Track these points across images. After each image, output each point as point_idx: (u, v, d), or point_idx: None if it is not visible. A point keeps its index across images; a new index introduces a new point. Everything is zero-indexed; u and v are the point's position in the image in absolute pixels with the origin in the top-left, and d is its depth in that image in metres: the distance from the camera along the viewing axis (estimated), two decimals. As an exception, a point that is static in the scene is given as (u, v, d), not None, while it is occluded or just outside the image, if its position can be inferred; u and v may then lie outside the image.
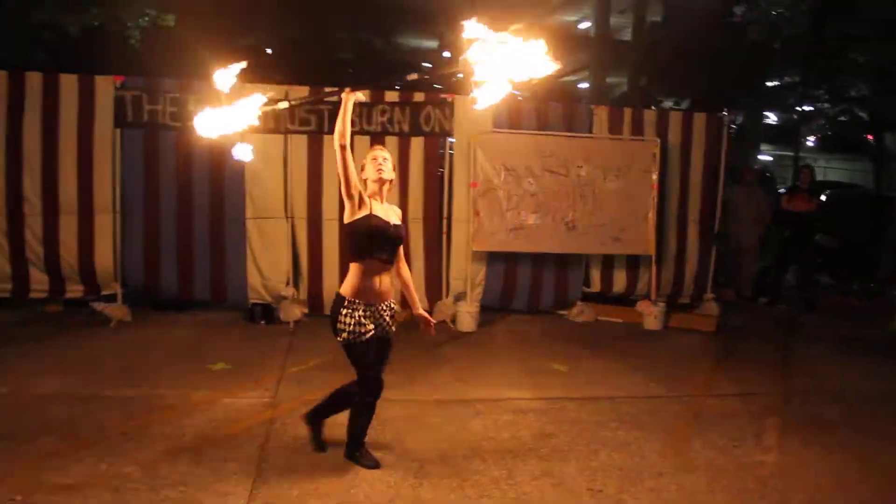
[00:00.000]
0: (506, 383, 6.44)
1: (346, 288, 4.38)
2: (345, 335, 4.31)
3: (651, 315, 8.76)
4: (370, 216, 4.33)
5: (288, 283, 8.27)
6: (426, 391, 6.12)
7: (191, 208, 8.16)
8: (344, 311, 4.32)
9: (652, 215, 8.88)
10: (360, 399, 4.46)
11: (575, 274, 9.20)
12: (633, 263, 9.28)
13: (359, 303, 4.33)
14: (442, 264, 8.71)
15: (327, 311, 8.09)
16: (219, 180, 8.18)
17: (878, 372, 7.50)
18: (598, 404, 5.97)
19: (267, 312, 8.20)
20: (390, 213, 4.48)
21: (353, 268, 4.39)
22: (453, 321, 8.41)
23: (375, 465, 4.54)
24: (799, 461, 5.01)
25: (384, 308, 4.49)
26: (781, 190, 11.75)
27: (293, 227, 8.31)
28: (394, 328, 4.61)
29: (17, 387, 5.70)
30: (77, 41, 10.98)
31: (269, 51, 21.67)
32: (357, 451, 4.57)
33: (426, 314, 4.78)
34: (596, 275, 9.30)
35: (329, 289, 8.27)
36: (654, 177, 8.84)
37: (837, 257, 12.69)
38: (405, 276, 4.73)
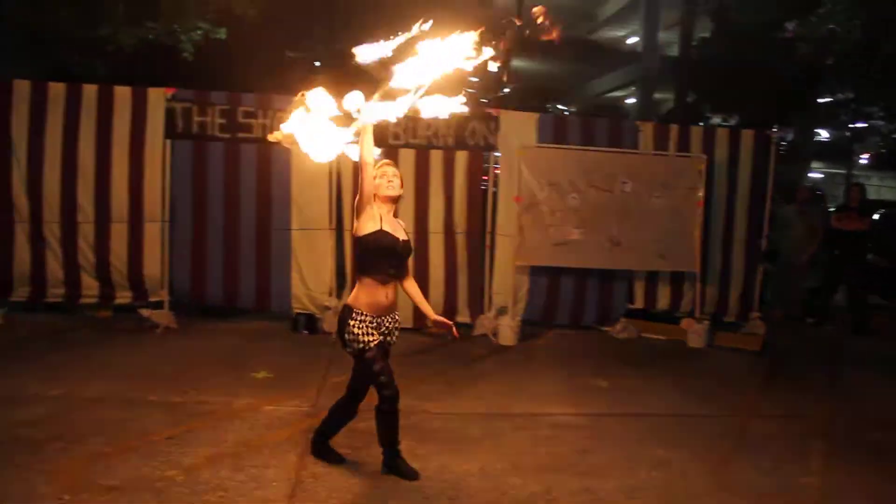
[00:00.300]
0: (546, 398, 6.41)
1: (354, 299, 4.44)
2: (355, 345, 4.36)
3: (695, 333, 8.65)
4: (380, 232, 4.37)
5: (331, 294, 8.36)
6: (466, 405, 6.12)
7: (237, 218, 8.30)
8: (352, 322, 4.36)
9: (697, 232, 8.79)
10: (378, 409, 4.47)
11: (619, 290, 9.14)
12: (678, 280, 9.19)
13: (366, 314, 4.38)
14: (485, 278, 8.72)
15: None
16: (265, 191, 8.30)
17: (929, 397, 7.31)
18: (639, 421, 5.92)
19: (310, 322, 8.29)
20: (398, 229, 4.51)
21: (362, 280, 4.45)
22: (495, 335, 8.40)
23: (414, 475, 4.56)
24: (843, 486, 4.90)
25: (390, 321, 4.51)
26: (831, 209, 11.52)
27: (338, 238, 8.40)
28: (395, 340, 4.64)
29: (67, 390, 5.85)
30: (133, 54, 11.27)
31: (317, 63, 21.95)
32: (394, 462, 4.60)
33: (443, 318, 4.71)
34: (639, 291, 9.23)
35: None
36: (700, 194, 8.75)
37: (890, 278, 12.38)
38: (411, 290, 4.68)
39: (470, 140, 8.46)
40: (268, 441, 5.05)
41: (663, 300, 9.25)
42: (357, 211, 4.41)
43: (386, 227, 4.40)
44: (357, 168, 4.37)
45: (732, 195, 9.29)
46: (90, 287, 8.18)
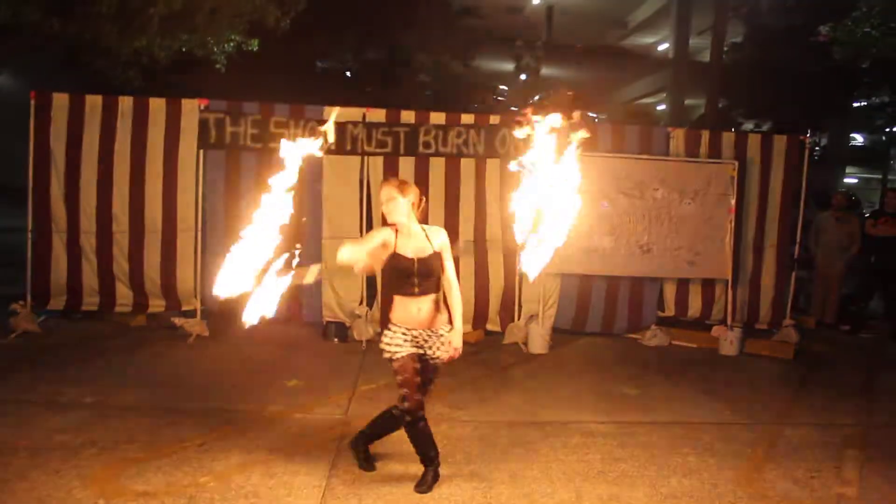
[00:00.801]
0: (576, 406, 6.39)
1: (390, 312, 4.58)
2: (385, 355, 4.46)
3: (727, 340, 8.57)
4: (394, 255, 4.46)
5: (362, 303, 8.40)
6: (496, 412, 6.12)
7: (269, 227, 8.35)
8: (385, 333, 4.53)
9: (729, 239, 8.72)
10: (399, 414, 4.50)
11: (650, 297, 9.08)
12: (709, 287, 9.12)
13: (398, 327, 4.46)
14: (516, 286, 8.72)
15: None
16: (297, 200, 8.34)
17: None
18: (669, 429, 5.87)
19: (341, 330, 8.34)
20: (418, 245, 4.50)
21: (392, 296, 4.58)
22: (525, 343, 8.39)
23: (435, 476, 4.58)
24: (881, 497, 4.82)
25: (429, 334, 4.50)
26: (866, 214, 11.36)
27: (369, 246, 8.44)
28: (441, 354, 4.55)
29: (102, 396, 5.94)
30: (168, 66, 11.45)
31: (348, 74, 22.10)
32: (428, 470, 4.59)
33: (455, 343, 4.57)
34: (670, 298, 9.18)
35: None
36: (732, 200, 8.68)
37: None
38: (448, 301, 4.64)
39: (500, 148, 8.46)
40: (299, 448, 5.09)
41: (694, 307, 9.18)
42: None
43: (399, 250, 4.45)
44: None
45: (764, 201, 9.20)
46: (124, 296, 8.31)
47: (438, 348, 4.53)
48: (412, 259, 4.44)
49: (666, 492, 4.70)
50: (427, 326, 4.49)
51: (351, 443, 4.89)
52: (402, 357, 4.42)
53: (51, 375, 6.43)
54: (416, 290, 4.45)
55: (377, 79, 20.17)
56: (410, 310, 4.45)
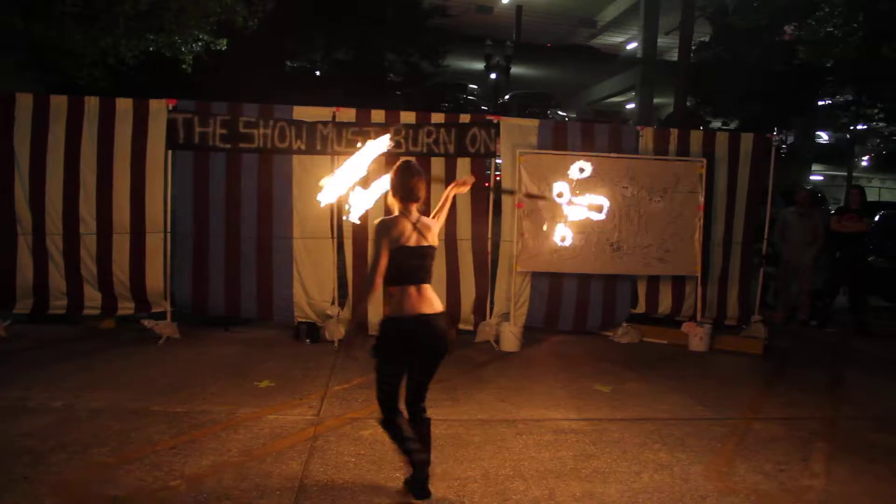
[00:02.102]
0: (548, 403, 6.42)
1: None
2: None
3: (696, 336, 8.66)
4: None
5: (333, 303, 8.38)
6: (468, 410, 6.13)
7: (239, 228, 8.32)
8: None
9: (698, 236, 8.81)
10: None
11: (621, 294, 9.15)
12: (679, 284, 9.20)
13: None
14: (487, 286, 8.74)
15: (372, 331, 8.22)
16: (267, 200, 8.32)
17: (932, 398, 7.31)
18: (641, 426, 5.92)
19: (312, 331, 8.31)
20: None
21: None
22: (497, 341, 8.41)
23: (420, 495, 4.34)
24: (847, 489, 4.90)
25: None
26: (832, 211, 11.54)
27: (340, 246, 8.42)
28: None
29: (70, 400, 5.87)
30: (135, 66, 11.35)
31: (318, 73, 22.04)
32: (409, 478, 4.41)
33: None
34: (641, 295, 9.25)
35: (374, 309, 8.33)
36: (700, 197, 8.78)
37: (891, 279, 12.37)
38: None
39: (471, 147, 8.47)
40: (271, 450, 5.06)
41: (664, 304, 9.26)
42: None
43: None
44: None
45: (732, 198, 9.30)
46: (93, 298, 8.20)
47: None
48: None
49: (638, 487, 4.73)
50: None
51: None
52: None
53: (18, 379, 6.33)
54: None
55: (347, 78, 20.14)
56: None
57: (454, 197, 4.96)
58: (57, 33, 9.29)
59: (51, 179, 7.99)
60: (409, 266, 4.30)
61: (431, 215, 4.66)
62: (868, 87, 20.40)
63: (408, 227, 4.31)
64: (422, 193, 4.44)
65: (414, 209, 4.40)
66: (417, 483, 4.30)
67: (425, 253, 4.37)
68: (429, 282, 4.39)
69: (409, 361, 4.36)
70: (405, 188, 4.38)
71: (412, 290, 4.28)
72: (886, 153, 32.33)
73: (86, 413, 5.62)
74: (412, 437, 4.28)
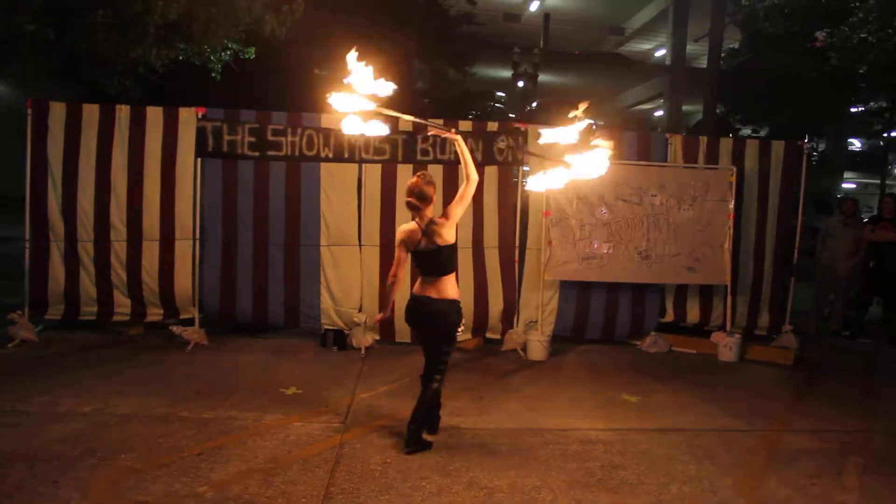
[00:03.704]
0: (575, 413, 6.37)
1: (457, 294, 5.24)
2: (458, 330, 5.26)
3: (726, 346, 8.55)
4: None
5: (360, 310, 8.38)
6: (495, 419, 6.10)
7: (267, 235, 8.37)
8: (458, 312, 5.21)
9: (728, 245, 8.72)
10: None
11: (650, 303, 9.06)
12: (708, 293, 9.12)
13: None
14: (515, 294, 8.71)
15: (398, 339, 8.28)
16: (295, 207, 8.36)
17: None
18: (669, 436, 5.85)
19: (339, 338, 8.31)
20: None
21: (453, 277, 5.26)
22: (524, 350, 8.37)
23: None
24: (881, 503, 4.81)
25: None
26: (865, 219, 11.38)
27: (366, 254, 8.43)
28: None
29: (99, 406, 5.92)
30: (165, 75, 11.47)
31: (345, 81, 22.12)
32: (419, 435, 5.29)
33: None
34: (670, 305, 9.17)
35: (400, 316, 8.32)
36: (730, 205, 8.69)
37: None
38: None
39: (498, 155, 8.46)
40: (297, 457, 5.07)
41: (693, 313, 9.17)
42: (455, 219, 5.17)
43: None
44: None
45: (763, 207, 9.20)
46: (122, 305, 8.29)
47: None
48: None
49: (666, 499, 4.68)
50: None
51: (407, 446, 5.23)
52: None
53: (49, 385, 6.40)
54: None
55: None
56: None
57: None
58: (88, 43, 9.40)
59: (82, 187, 8.10)
60: (421, 263, 5.24)
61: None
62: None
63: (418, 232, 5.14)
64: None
65: (426, 214, 5.16)
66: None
67: (434, 253, 5.13)
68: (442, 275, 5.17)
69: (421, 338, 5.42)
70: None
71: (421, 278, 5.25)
72: (920, 160, 31.82)
73: (115, 419, 5.67)
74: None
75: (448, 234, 5.11)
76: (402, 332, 8.39)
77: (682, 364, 8.37)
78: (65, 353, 7.58)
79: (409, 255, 5.21)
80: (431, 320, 5.15)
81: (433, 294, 5.12)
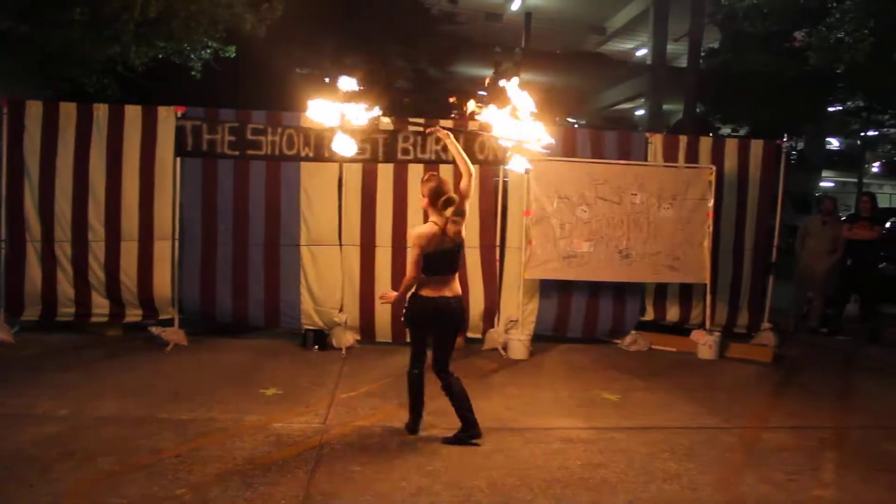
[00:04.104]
0: (556, 412, 6.38)
1: None
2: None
3: (705, 344, 8.60)
4: None
5: (341, 310, 8.36)
6: (476, 418, 6.08)
7: (247, 235, 8.32)
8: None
9: (707, 243, 8.76)
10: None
11: (631, 302, 9.09)
12: (688, 292, 9.16)
13: None
14: (496, 293, 8.70)
15: (379, 338, 8.27)
16: (275, 207, 8.32)
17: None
18: (649, 435, 5.87)
19: (319, 338, 8.28)
20: None
21: None
22: (505, 349, 8.37)
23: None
24: (858, 499, 4.85)
25: None
26: (842, 218, 11.49)
27: (347, 253, 8.40)
28: None
29: (76, 408, 5.86)
30: (144, 73, 11.38)
31: (326, 80, 22.05)
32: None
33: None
34: (650, 303, 9.20)
35: (381, 316, 8.34)
36: (710, 204, 8.74)
37: (901, 286, 12.28)
38: None
39: (480, 154, 8.44)
40: (277, 458, 5.04)
41: (673, 312, 9.21)
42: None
43: None
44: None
45: (742, 205, 9.26)
46: (101, 306, 8.22)
47: None
48: None
49: (646, 497, 4.69)
50: None
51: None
52: None
53: (25, 387, 6.33)
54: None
55: (358, 85, 20.11)
56: None
57: (462, 205, 5.42)
58: (66, 41, 9.31)
59: (60, 186, 8.03)
60: (437, 263, 5.29)
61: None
62: (879, 92, 20.28)
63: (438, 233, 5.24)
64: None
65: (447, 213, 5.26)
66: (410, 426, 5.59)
67: (453, 251, 5.33)
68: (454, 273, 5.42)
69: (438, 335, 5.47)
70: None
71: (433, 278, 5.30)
72: (897, 159, 32.19)
73: (92, 421, 5.61)
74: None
75: (463, 231, 5.40)
76: (383, 331, 8.39)
77: (662, 362, 8.40)
78: (41, 354, 7.51)
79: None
80: (456, 317, 5.39)
81: (448, 293, 5.29)
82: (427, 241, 5.17)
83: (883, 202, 23.65)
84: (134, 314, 8.30)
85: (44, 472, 4.63)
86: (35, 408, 5.82)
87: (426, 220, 5.37)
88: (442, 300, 5.27)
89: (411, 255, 5.21)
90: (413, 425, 5.59)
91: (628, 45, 39.60)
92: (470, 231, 8.51)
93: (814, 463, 5.41)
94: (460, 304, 5.43)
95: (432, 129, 5.55)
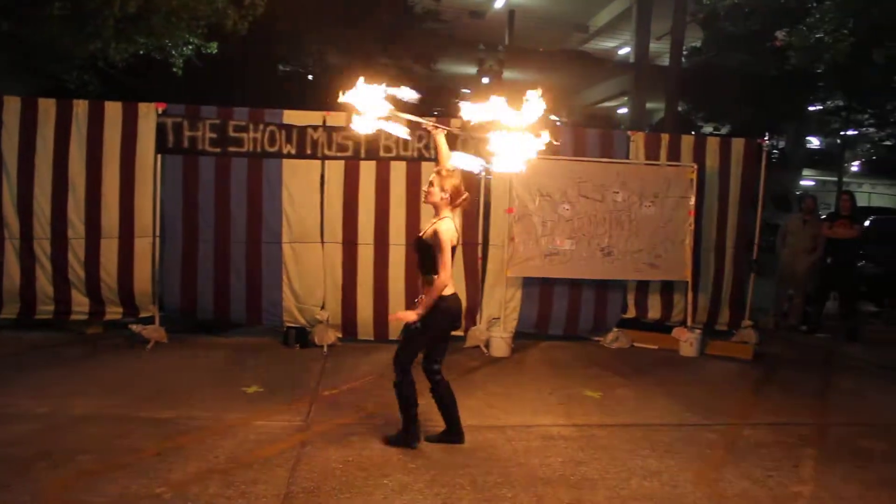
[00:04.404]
0: (538, 409, 6.39)
1: None
2: None
3: (687, 342, 8.65)
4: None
5: (323, 307, 8.34)
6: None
7: (228, 232, 8.28)
8: None
9: (689, 241, 8.81)
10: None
11: (612, 299, 9.12)
12: (669, 289, 9.20)
13: None
14: (478, 290, 8.71)
15: (361, 336, 8.25)
16: (256, 204, 8.28)
17: (922, 404, 7.30)
18: (630, 432, 5.90)
19: (301, 336, 8.25)
20: (425, 226, 5.35)
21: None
22: (487, 346, 8.38)
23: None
24: (836, 495, 4.88)
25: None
26: (822, 216, 11.60)
27: (329, 251, 8.38)
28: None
29: (55, 407, 5.81)
30: (124, 70, 11.29)
31: (310, 77, 21.98)
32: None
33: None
34: (631, 301, 9.23)
35: (363, 313, 8.33)
36: (691, 202, 8.78)
37: (882, 285, 12.40)
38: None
39: (462, 152, 8.41)
40: (258, 456, 5.02)
41: (655, 309, 9.25)
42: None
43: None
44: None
45: (723, 204, 9.31)
46: (80, 303, 8.15)
47: None
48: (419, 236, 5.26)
49: (626, 494, 4.71)
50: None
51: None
52: None
53: (3, 385, 6.27)
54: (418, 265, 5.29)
55: (342, 83, 20.07)
56: None
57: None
58: (45, 36, 9.23)
59: (39, 183, 7.94)
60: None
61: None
62: (858, 92, 20.46)
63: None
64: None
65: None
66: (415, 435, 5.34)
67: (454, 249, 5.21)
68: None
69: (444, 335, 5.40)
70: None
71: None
72: (876, 158, 32.47)
73: (71, 420, 5.57)
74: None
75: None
76: (365, 329, 8.38)
77: (643, 359, 8.44)
78: (20, 352, 7.44)
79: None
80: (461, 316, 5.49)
81: (454, 291, 5.29)
82: (454, 239, 5.13)
83: (862, 201, 23.89)
84: (114, 312, 8.24)
85: (21, 471, 4.58)
86: (13, 406, 5.76)
87: (438, 214, 5.19)
88: (458, 298, 5.34)
89: (444, 255, 4.99)
90: (416, 433, 5.33)
91: (611, 44, 39.67)
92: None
93: (793, 459, 5.46)
94: None
95: (441, 128, 5.62)
